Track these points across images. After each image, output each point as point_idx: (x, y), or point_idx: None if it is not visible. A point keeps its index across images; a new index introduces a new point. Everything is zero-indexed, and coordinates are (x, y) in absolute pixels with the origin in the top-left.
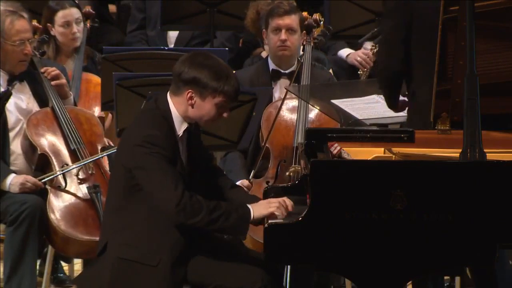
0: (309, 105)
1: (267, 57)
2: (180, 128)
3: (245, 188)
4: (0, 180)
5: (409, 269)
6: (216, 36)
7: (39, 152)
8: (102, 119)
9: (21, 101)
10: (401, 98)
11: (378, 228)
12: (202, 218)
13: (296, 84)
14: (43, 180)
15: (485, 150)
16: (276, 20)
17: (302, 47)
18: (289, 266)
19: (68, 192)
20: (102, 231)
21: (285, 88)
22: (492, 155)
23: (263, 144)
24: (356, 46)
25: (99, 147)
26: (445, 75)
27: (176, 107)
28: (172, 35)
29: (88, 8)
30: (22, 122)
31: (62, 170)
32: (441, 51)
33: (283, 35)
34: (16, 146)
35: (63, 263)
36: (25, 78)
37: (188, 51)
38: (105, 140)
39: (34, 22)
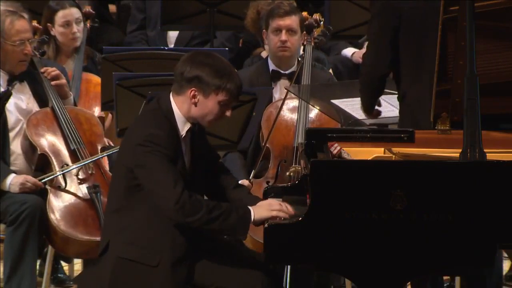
0: (310, 105)
1: (267, 57)
2: (183, 128)
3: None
4: (0, 180)
5: (409, 269)
6: (216, 36)
7: (39, 152)
8: (102, 119)
9: (21, 101)
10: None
11: (378, 228)
12: (201, 217)
13: (296, 84)
14: (43, 180)
15: (485, 150)
16: (276, 20)
17: (302, 47)
18: (289, 266)
19: (68, 192)
20: (104, 231)
21: (285, 88)
22: (492, 155)
23: (263, 144)
24: (358, 46)
25: (99, 147)
26: (445, 75)
27: (179, 107)
28: (172, 35)
29: (88, 8)
30: (22, 122)
31: (62, 170)
32: (441, 51)
33: (283, 36)
34: (16, 146)
35: (63, 263)
36: (25, 78)
37: (188, 51)
38: (105, 140)
39: (34, 23)
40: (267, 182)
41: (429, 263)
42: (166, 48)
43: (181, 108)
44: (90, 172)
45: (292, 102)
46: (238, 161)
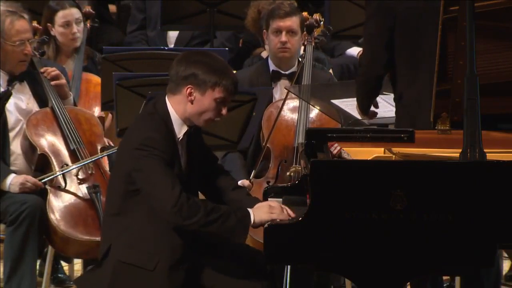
0: (310, 105)
1: (267, 57)
2: (180, 131)
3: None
4: (0, 180)
5: (409, 269)
6: (216, 36)
7: (39, 152)
8: (102, 119)
9: (21, 102)
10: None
11: (378, 228)
12: (198, 219)
13: (297, 85)
14: (43, 180)
15: (485, 150)
16: (276, 21)
17: (302, 47)
18: (289, 266)
19: (68, 192)
20: (104, 234)
21: (286, 88)
22: (492, 155)
23: (264, 144)
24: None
25: (99, 147)
26: (445, 75)
27: (176, 108)
28: (172, 35)
29: (88, 8)
30: (22, 122)
31: (62, 170)
32: (441, 51)
33: (283, 37)
34: (16, 146)
35: (63, 263)
36: (25, 78)
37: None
38: (105, 140)
39: (34, 23)
40: (268, 182)
41: (429, 263)
42: (166, 48)
43: (178, 109)
44: (90, 172)
45: (293, 102)
46: (238, 161)
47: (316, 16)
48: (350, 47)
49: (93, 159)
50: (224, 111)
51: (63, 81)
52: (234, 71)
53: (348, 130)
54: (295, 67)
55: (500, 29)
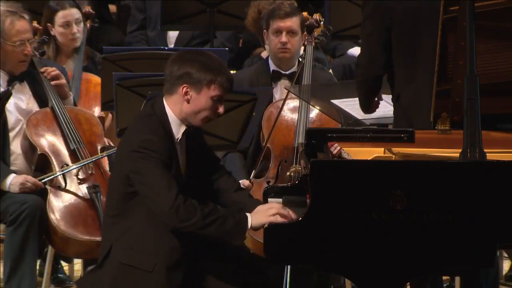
0: (310, 105)
1: (267, 57)
2: (178, 131)
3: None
4: (0, 180)
5: (409, 269)
6: (216, 36)
7: (39, 152)
8: (102, 119)
9: (21, 102)
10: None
11: (378, 228)
12: (195, 221)
13: (297, 85)
14: (43, 180)
15: (485, 150)
16: (277, 22)
17: (303, 47)
18: (289, 266)
19: (68, 192)
20: (104, 236)
21: (286, 88)
22: (492, 155)
23: (264, 144)
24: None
25: (99, 147)
26: (445, 75)
27: (173, 109)
28: (172, 35)
29: (88, 8)
30: (22, 122)
31: (62, 170)
32: (441, 51)
33: (283, 38)
34: (16, 146)
35: (63, 263)
36: (25, 78)
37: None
38: (105, 140)
39: (34, 23)
40: (268, 182)
41: (429, 263)
42: (166, 48)
43: (175, 110)
44: (90, 172)
45: (293, 102)
46: (238, 161)
47: (316, 16)
48: (352, 47)
49: (93, 159)
50: (220, 110)
51: (63, 81)
52: (234, 71)
53: (348, 130)
54: (295, 67)
55: (500, 29)
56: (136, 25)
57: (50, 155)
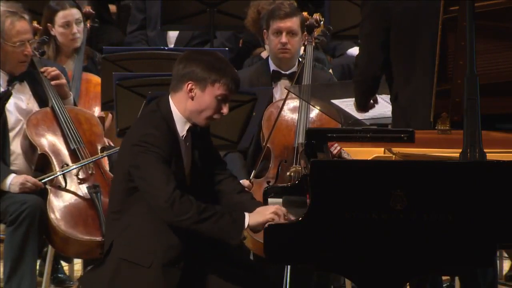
0: (310, 105)
1: (267, 57)
2: (183, 128)
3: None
4: (0, 180)
5: (409, 269)
6: (216, 36)
7: (39, 152)
8: (102, 119)
9: (21, 102)
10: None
11: (378, 228)
12: (190, 216)
13: (297, 85)
14: (43, 180)
15: (485, 150)
16: (277, 22)
17: (303, 47)
18: (289, 266)
19: (68, 192)
20: (107, 232)
21: (286, 88)
22: (492, 155)
23: (264, 144)
24: None
25: (99, 147)
26: (445, 75)
27: (178, 106)
28: (172, 35)
29: (88, 8)
30: (22, 122)
31: (62, 170)
32: (441, 51)
33: (283, 38)
34: (16, 146)
35: (63, 263)
36: (25, 78)
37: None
38: (105, 140)
39: (34, 23)
40: (268, 182)
41: (429, 263)
42: (166, 48)
43: (180, 107)
44: (90, 172)
45: (293, 102)
46: (238, 161)
47: (316, 16)
48: (351, 47)
49: (93, 159)
50: (225, 110)
51: (63, 81)
52: None
53: (348, 130)
54: (296, 67)
55: (500, 29)
56: (136, 25)
57: (50, 155)
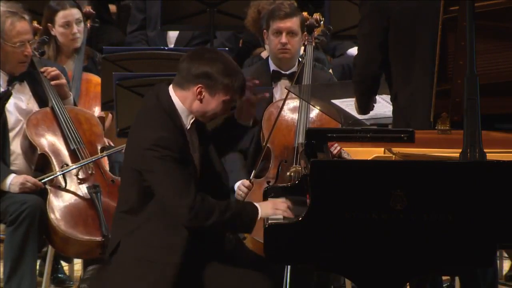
0: (310, 105)
1: (267, 57)
2: (188, 120)
3: (245, 188)
4: (0, 180)
5: (409, 269)
6: (216, 36)
7: (39, 152)
8: (102, 119)
9: (21, 102)
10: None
11: (378, 228)
12: (215, 220)
13: (297, 85)
14: (43, 180)
15: (485, 150)
16: (277, 23)
17: (303, 47)
18: (289, 266)
19: (68, 192)
20: (114, 231)
21: (286, 88)
22: (492, 155)
23: (264, 144)
24: None
25: (99, 147)
26: (445, 75)
27: (182, 101)
28: (172, 35)
29: (88, 8)
30: (22, 122)
31: (62, 170)
32: (441, 51)
33: (283, 39)
34: (16, 146)
35: (63, 263)
36: (25, 78)
37: (188, 51)
38: (105, 140)
39: (35, 23)
40: (268, 182)
41: (429, 263)
42: (166, 48)
43: (184, 102)
44: (90, 172)
45: (293, 102)
46: (238, 161)
47: (316, 16)
48: (352, 47)
49: (93, 159)
50: (229, 112)
51: (63, 81)
52: None
53: (348, 130)
54: (296, 67)
55: (500, 29)
56: (136, 25)
57: (50, 155)
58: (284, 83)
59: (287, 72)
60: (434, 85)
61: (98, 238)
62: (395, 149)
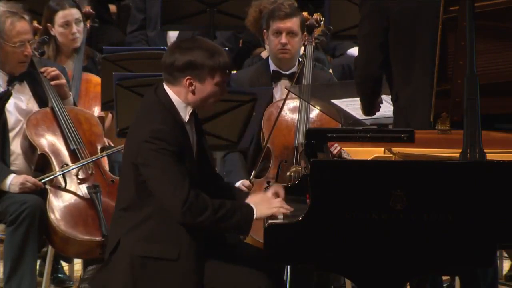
0: (310, 105)
1: (267, 57)
2: (186, 113)
3: (245, 188)
4: (0, 180)
5: (409, 269)
6: (216, 36)
7: (39, 152)
8: (102, 119)
9: (21, 102)
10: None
11: (378, 228)
12: (207, 217)
13: (297, 85)
14: (43, 180)
15: (485, 150)
16: (277, 23)
17: (303, 47)
18: (289, 266)
19: (68, 192)
20: (112, 230)
21: (286, 88)
22: (492, 155)
23: (264, 144)
24: None
25: (99, 147)
26: (445, 75)
27: (178, 95)
28: (172, 35)
29: (88, 8)
30: (22, 122)
31: (62, 170)
32: (441, 51)
33: (283, 39)
34: (16, 146)
35: (63, 263)
36: (25, 78)
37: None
38: (105, 140)
39: (34, 23)
40: (268, 182)
41: (429, 263)
42: (166, 48)
43: (179, 95)
44: (90, 172)
45: (293, 102)
46: (238, 161)
47: (316, 16)
48: (352, 47)
49: (93, 159)
50: (226, 91)
51: (63, 81)
52: (234, 71)
53: (348, 130)
54: (296, 67)
55: (500, 29)
56: (136, 25)
57: (50, 155)
58: (284, 83)
59: (287, 72)
60: (434, 85)
61: (98, 238)
62: (395, 149)
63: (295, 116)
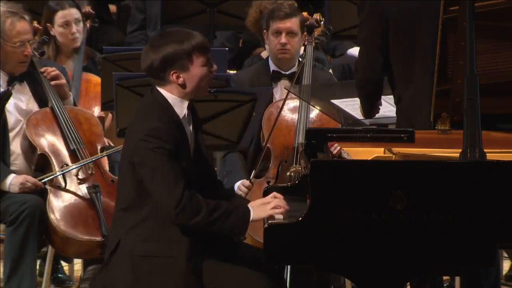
0: (310, 105)
1: (267, 57)
2: (182, 109)
3: (245, 188)
4: (0, 180)
5: (409, 269)
6: (216, 36)
7: (38, 152)
8: (102, 119)
9: (21, 102)
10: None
11: (378, 228)
12: (201, 218)
13: (297, 85)
14: (43, 180)
15: (485, 150)
16: (276, 23)
17: (303, 47)
18: (289, 266)
19: (68, 192)
20: (113, 230)
21: (286, 88)
22: (492, 155)
23: (264, 144)
24: None
25: (99, 147)
26: (445, 75)
27: (172, 93)
28: None
29: (88, 8)
30: (22, 122)
31: (62, 170)
32: (441, 51)
33: (283, 39)
34: (16, 146)
35: (63, 263)
36: (25, 78)
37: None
38: (105, 140)
39: (34, 23)
40: (268, 182)
41: (429, 263)
42: None
43: (173, 92)
44: (90, 172)
45: (293, 102)
46: (238, 161)
47: (316, 16)
48: (351, 47)
49: (93, 159)
50: (214, 67)
51: (63, 81)
52: (234, 71)
53: (348, 130)
54: (296, 67)
55: (500, 29)
56: (136, 25)
57: (50, 155)
58: (284, 83)
59: (287, 72)
60: (434, 85)
61: (98, 238)
62: (395, 149)
63: (295, 116)
